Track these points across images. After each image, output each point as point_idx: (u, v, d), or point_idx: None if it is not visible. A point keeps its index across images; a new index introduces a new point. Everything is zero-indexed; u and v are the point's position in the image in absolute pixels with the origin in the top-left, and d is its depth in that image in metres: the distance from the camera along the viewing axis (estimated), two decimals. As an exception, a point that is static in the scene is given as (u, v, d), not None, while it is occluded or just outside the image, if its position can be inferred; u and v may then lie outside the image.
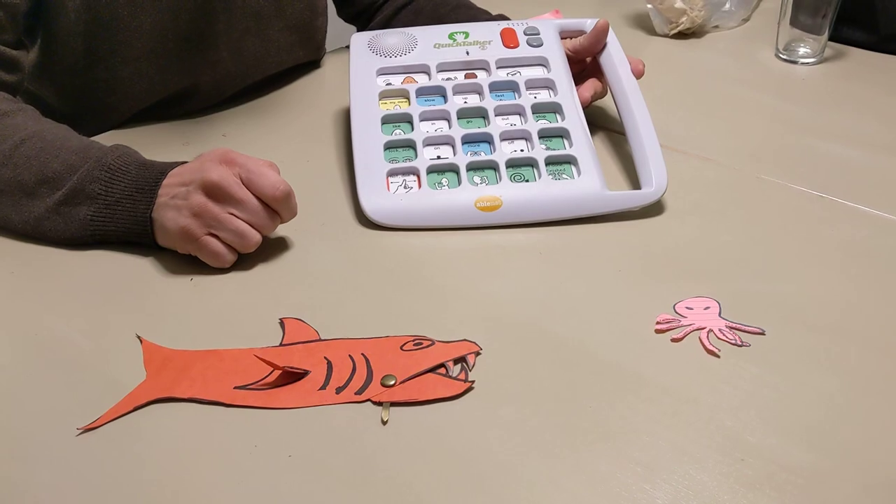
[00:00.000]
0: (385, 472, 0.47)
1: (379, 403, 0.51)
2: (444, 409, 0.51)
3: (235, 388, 0.53)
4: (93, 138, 0.69)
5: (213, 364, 0.54)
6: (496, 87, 0.75)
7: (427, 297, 0.60)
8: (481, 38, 0.79)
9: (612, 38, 0.79)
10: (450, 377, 0.53)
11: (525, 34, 0.80)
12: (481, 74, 0.77)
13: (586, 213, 0.68)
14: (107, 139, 0.70)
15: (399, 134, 0.72)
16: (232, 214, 0.61)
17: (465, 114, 0.73)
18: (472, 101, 0.75)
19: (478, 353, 0.54)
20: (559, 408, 0.51)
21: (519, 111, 0.74)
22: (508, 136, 0.72)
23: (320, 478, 0.47)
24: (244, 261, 0.64)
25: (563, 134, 0.72)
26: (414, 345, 0.55)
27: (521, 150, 0.71)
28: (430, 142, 0.71)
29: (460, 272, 0.62)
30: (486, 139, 0.72)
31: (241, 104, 0.86)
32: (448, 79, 0.76)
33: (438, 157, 0.70)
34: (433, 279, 0.62)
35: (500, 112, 0.73)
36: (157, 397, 0.52)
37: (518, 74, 0.77)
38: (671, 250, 0.65)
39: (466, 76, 0.77)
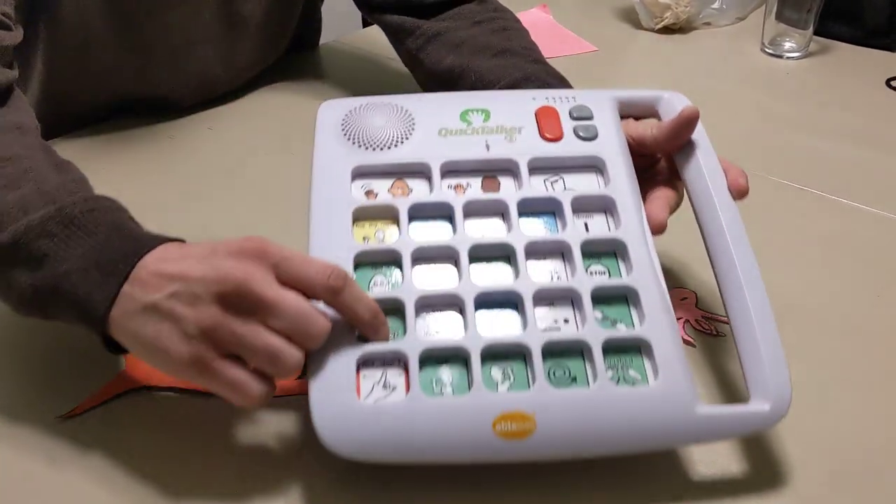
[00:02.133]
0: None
1: None
2: None
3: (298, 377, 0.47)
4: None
5: None
6: (529, 208, 0.51)
7: None
8: (508, 123, 0.54)
9: (700, 132, 0.54)
10: None
11: (573, 117, 0.55)
12: (506, 184, 0.52)
13: (670, 442, 0.44)
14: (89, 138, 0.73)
15: (381, 286, 0.47)
16: (261, 326, 0.42)
17: (482, 254, 0.49)
18: (493, 230, 0.50)
19: None
20: None
21: (562, 251, 0.49)
22: (547, 298, 0.47)
23: (302, 461, 0.46)
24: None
25: (628, 296, 0.47)
26: None
27: (566, 322, 0.47)
28: (428, 304, 0.46)
29: None
30: (513, 301, 0.47)
31: (230, 101, 0.85)
32: (457, 186, 0.52)
33: (440, 332, 0.46)
34: None
35: (534, 253, 0.49)
36: (136, 386, 0.51)
37: (560, 183, 0.53)
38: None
39: (485, 183, 0.52)
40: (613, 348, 0.45)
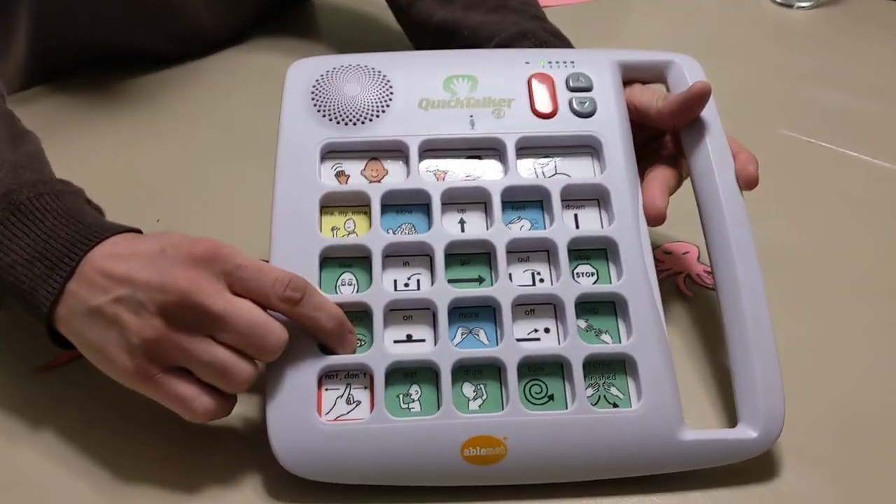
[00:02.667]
0: None
1: None
2: None
3: None
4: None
5: None
6: (514, 197, 0.46)
7: None
8: (496, 95, 0.49)
9: (710, 109, 0.49)
10: None
11: (570, 88, 0.49)
12: (490, 167, 0.47)
13: (647, 471, 0.41)
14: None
15: (348, 288, 0.43)
16: (208, 340, 0.39)
17: (460, 251, 0.45)
18: (474, 224, 0.45)
19: None
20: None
21: (548, 249, 0.45)
22: (527, 304, 0.44)
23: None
24: (222, 214, 0.60)
25: (616, 304, 0.44)
26: None
27: (546, 332, 0.43)
28: (398, 307, 0.43)
29: None
30: (490, 308, 0.44)
31: (218, 53, 0.80)
32: (437, 171, 0.47)
33: (409, 338, 0.43)
34: None
35: (517, 251, 0.45)
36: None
37: (551, 166, 0.48)
38: None
39: (467, 166, 0.48)
40: (595, 364, 0.42)
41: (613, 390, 0.42)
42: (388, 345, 0.42)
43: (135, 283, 0.39)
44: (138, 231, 0.44)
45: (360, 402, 0.41)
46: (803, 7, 0.94)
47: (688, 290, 0.54)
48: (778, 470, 0.42)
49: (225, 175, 0.65)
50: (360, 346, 0.42)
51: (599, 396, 0.42)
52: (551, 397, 0.41)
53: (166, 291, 0.38)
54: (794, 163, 0.67)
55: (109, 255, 0.41)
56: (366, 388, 0.41)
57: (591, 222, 0.46)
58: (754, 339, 0.42)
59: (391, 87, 0.48)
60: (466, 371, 0.42)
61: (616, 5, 0.94)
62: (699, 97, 0.47)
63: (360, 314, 0.43)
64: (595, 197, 0.47)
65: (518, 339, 0.42)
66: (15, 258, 0.41)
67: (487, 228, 0.45)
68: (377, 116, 0.47)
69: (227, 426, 0.44)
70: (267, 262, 0.42)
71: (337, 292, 0.43)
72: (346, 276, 0.44)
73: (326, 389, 0.41)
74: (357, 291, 0.43)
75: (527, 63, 0.50)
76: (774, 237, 0.56)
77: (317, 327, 0.40)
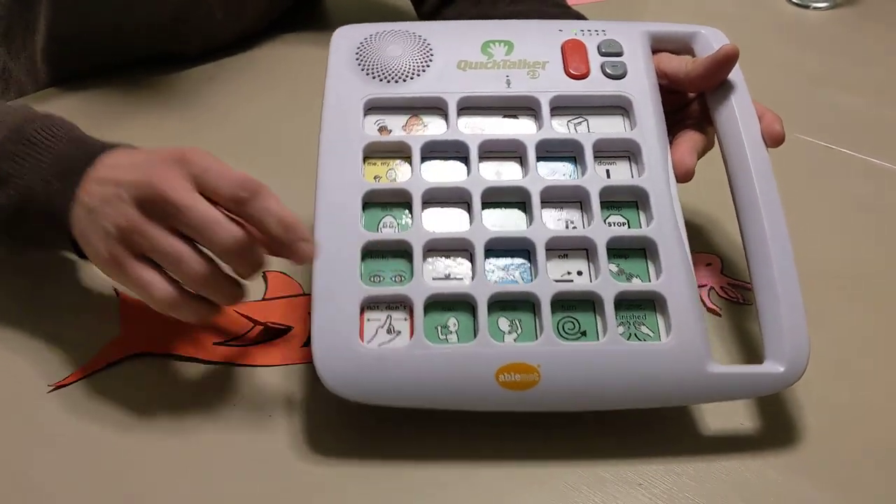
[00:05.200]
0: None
1: None
2: None
3: (215, 343, 0.50)
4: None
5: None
6: (548, 151, 0.48)
7: None
8: (531, 57, 0.51)
9: (736, 73, 0.51)
10: None
11: (601, 53, 0.52)
12: (526, 123, 0.50)
13: (678, 400, 0.43)
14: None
15: (389, 228, 0.46)
16: (169, 231, 0.43)
17: (496, 198, 0.47)
18: (510, 172, 0.48)
19: None
20: None
21: (580, 198, 0.47)
22: (560, 247, 0.45)
23: (303, 439, 0.44)
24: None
25: (646, 249, 0.46)
26: None
27: (579, 274, 0.45)
28: (437, 247, 0.45)
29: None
30: (525, 248, 0.46)
31: (235, 53, 0.80)
32: (475, 127, 0.49)
33: (448, 277, 0.45)
34: None
35: (550, 199, 0.47)
36: (133, 353, 0.49)
37: (584, 125, 0.50)
38: None
39: (503, 124, 0.50)
40: (626, 302, 0.44)
41: (644, 329, 0.43)
42: (428, 280, 0.44)
43: (120, 183, 0.44)
44: (134, 147, 0.48)
45: (399, 332, 0.43)
46: (819, 8, 0.94)
47: (712, 303, 0.53)
48: (802, 486, 0.42)
49: (249, 160, 0.63)
50: (401, 281, 0.44)
51: (630, 333, 0.43)
52: (584, 333, 0.43)
53: (141, 186, 0.43)
54: (810, 168, 0.67)
55: (107, 166, 0.46)
56: (406, 319, 0.43)
57: (622, 174, 0.48)
58: (780, 281, 0.44)
59: (431, 49, 0.51)
60: (502, 306, 0.44)
61: (629, 5, 0.96)
62: (727, 60, 0.50)
63: (400, 252, 0.45)
64: (626, 152, 0.49)
65: (552, 280, 0.44)
66: (32, 181, 0.46)
67: (523, 178, 0.47)
68: (418, 75, 0.50)
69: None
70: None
71: (378, 231, 0.46)
72: (388, 220, 0.46)
73: (368, 319, 0.43)
74: (399, 230, 0.46)
75: (560, 31, 0.53)
76: (797, 244, 0.53)
77: (264, 230, 0.42)
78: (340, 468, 0.43)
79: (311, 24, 0.87)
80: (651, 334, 0.43)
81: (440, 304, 0.43)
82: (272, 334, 0.50)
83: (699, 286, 0.50)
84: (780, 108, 0.69)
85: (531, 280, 0.44)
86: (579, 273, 0.45)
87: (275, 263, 0.45)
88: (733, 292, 0.53)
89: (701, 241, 0.57)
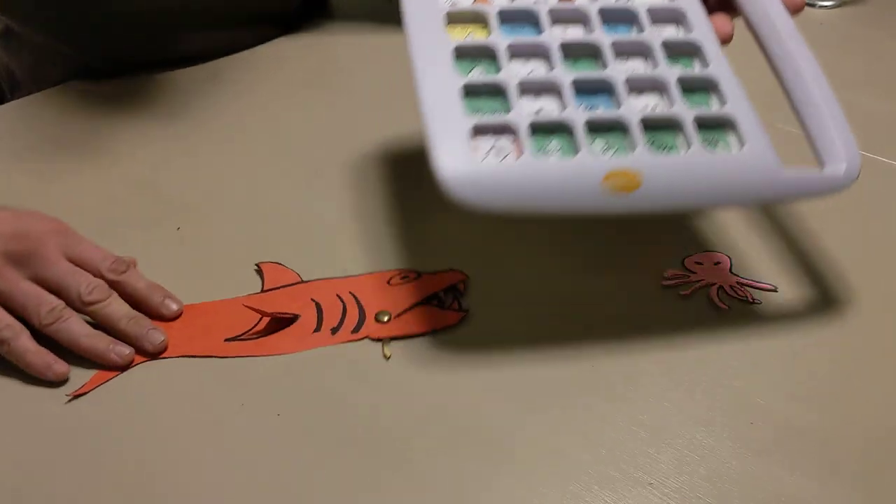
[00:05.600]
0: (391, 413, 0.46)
1: (378, 340, 0.50)
2: (443, 342, 0.50)
3: (226, 340, 0.50)
4: None
5: (196, 319, 0.52)
6: (608, 17, 0.54)
7: (407, 230, 0.59)
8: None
9: None
10: (444, 308, 0.52)
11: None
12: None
13: (757, 199, 0.48)
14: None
15: (481, 74, 0.50)
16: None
17: (571, 51, 0.52)
18: (576, 33, 0.54)
19: (465, 282, 0.54)
20: (560, 364, 0.49)
21: (644, 51, 0.53)
22: (636, 86, 0.50)
23: (319, 432, 0.45)
24: (215, 209, 0.61)
25: (709, 86, 0.51)
26: (401, 278, 0.54)
27: (656, 107, 0.50)
28: (528, 88, 0.49)
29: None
30: (605, 88, 0.50)
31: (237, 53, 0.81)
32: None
33: (541, 111, 0.49)
34: (413, 210, 0.60)
35: (620, 51, 0.52)
36: (145, 358, 0.49)
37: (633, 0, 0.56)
38: None
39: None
40: (703, 124, 0.49)
41: (720, 144, 0.49)
42: (526, 111, 0.48)
43: None
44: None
45: (508, 153, 0.46)
46: (826, 6, 0.93)
47: (722, 302, 0.53)
48: (809, 485, 0.43)
49: (246, 180, 0.65)
50: (503, 112, 0.48)
51: (711, 146, 0.48)
52: (672, 147, 0.48)
53: (17, 238, 0.48)
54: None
55: None
56: (512, 142, 0.47)
57: (672, 34, 0.54)
58: (819, 96, 0.50)
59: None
60: (596, 129, 0.48)
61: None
62: None
63: (496, 91, 0.49)
64: (673, 19, 0.55)
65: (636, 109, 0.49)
66: None
67: (591, 35, 0.53)
68: (482, -37, 0.55)
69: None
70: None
71: (469, 75, 0.50)
72: (477, 70, 0.50)
73: (478, 143, 0.46)
74: (489, 75, 0.50)
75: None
76: (799, 245, 0.56)
77: (133, 294, 0.51)
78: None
79: (314, 26, 0.89)
80: (726, 148, 0.49)
81: (541, 128, 0.48)
82: (281, 324, 0.51)
83: (709, 284, 0.54)
84: (786, 106, 0.64)
85: (618, 109, 0.49)
86: (656, 107, 0.50)
87: (269, 254, 0.53)
88: (742, 291, 0.55)
89: (710, 241, 0.59)
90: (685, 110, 0.49)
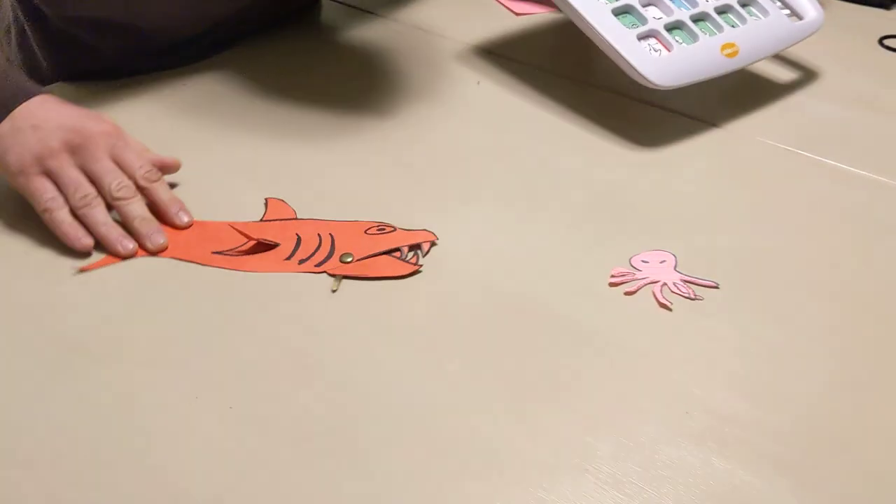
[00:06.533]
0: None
1: (333, 275, 0.57)
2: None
3: (213, 252, 0.59)
4: None
5: (196, 231, 0.61)
6: None
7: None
8: None
9: None
10: (401, 260, 0.58)
11: None
12: None
13: (789, 43, 0.77)
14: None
15: (611, 2, 0.73)
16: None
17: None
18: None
19: (433, 244, 0.60)
20: (505, 359, 0.52)
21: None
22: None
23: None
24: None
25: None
26: (377, 230, 0.61)
27: (709, 1, 0.76)
28: (643, 3, 0.74)
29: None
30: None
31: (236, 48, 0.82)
32: None
33: (661, 18, 0.74)
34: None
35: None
36: (146, 254, 0.59)
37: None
38: (631, 203, 0.65)
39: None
40: (742, 4, 0.77)
41: (753, 16, 0.76)
42: (655, 18, 0.73)
43: (56, 121, 0.59)
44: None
45: (661, 50, 0.71)
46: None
47: (665, 299, 0.56)
48: (740, 472, 0.45)
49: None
50: (642, 25, 0.72)
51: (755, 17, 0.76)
52: (734, 24, 0.75)
53: (74, 131, 0.59)
54: (775, 171, 0.70)
55: (46, 105, 0.60)
56: (657, 42, 0.72)
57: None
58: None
59: None
60: (695, 22, 0.74)
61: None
62: None
63: (628, 11, 0.73)
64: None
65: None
66: None
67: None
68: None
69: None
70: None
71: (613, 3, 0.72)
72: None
73: (645, 46, 0.71)
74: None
75: None
76: (744, 243, 0.60)
77: (153, 198, 0.61)
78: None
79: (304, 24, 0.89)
80: (758, 17, 0.76)
81: (667, 28, 0.73)
82: (262, 248, 0.59)
83: (653, 282, 0.57)
84: (742, 111, 0.76)
85: (697, 6, 0.75)
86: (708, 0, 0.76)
87: (273, 191, 0.62)
88: (685, 288, 0.57)
89: (655, 239, 0.61)
90: (733, -1, 0.77)
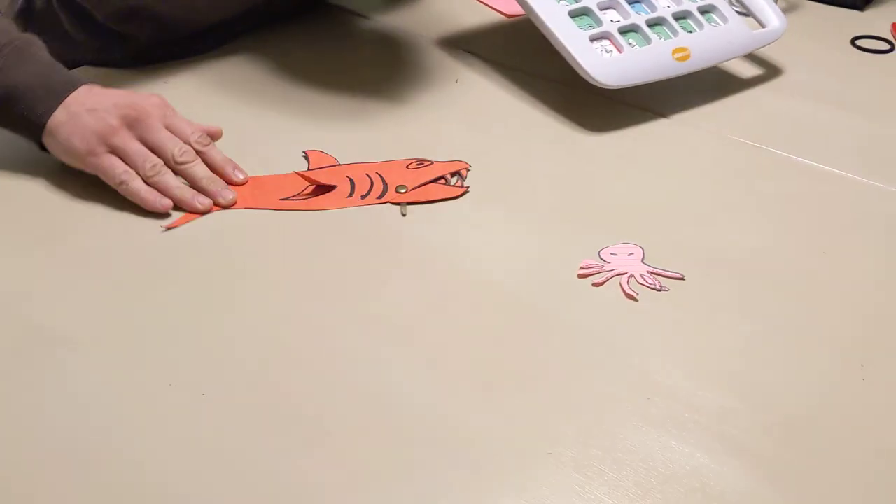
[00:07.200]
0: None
1: (397, 204, 0.64)
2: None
3: (280, 199, 0.65)
4: None
5: (259, 185, 0.66)
6: None
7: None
8: None
9: None
10: (448, 185, 0.66)
11: None
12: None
13: (743, 50, 0.79)
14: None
15: (569, 4, 0.75)
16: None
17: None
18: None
19: (468, 169, 0.67)
20: (473, 347, 0.53)
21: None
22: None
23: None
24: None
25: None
26: (417, 164, 0.68)
27: (669, 7, 0.78)
28: (601, 7, 0.76)
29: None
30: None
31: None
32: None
33: (617, 21, 0.75)
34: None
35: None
36: (219, 208, 0.64)
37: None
38: (602, 197, 0.67)
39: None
40: (701, 11, 0.78)
41: (714, 22, 0.78)
42: (610, 21, 0.74)
43: (109, 101, 0.63)
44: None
45: (612, 52, 0.73)
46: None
47: (631, 290, 0.56)
48: (698, 455, 0.46)
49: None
50: (592, 27, 0.73)
51: (712, 24, 0.78)
52: (691, 31, 0.77)
53: (129, 106, 0.63)
54: (742, 168, 0.71)
55: (94, 91, 0.64)
56: (609, 44, 0.73)
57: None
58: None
59: None
60: (650, 25, 0.76)
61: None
62: None
63: (585, 13, 0.74)
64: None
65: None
66: (20, 81, 0.62)
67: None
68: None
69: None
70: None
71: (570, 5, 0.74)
72: (563, 2, 0.75)
73: (597, 47, 0.73)
74: (577, 3, 0.75)
75: None
76: (711, 237, 0.61)
77: (211, 162, 0.65)
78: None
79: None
80: (718, 23, 0.79)
81: (622, 31, 0.74)
82: (322, 191, 0.65)
83: (620, 274, 0.58)
84: (714, 110, 0.78)
85: (655, 11, 0.77)
86: (669, 6, 0.78)
87: (313, 143, 0.67)
88: (651, 280, 0.58)
89: (623, 232, 0.62)
90: (690, 4, 0.78)
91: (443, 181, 0.65)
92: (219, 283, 0.57)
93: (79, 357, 0.51)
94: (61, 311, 0.55)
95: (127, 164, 0.62)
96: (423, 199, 0.64)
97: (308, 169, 0.67)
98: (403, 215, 0.62)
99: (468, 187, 0.65)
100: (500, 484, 0.45)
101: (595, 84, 0.71)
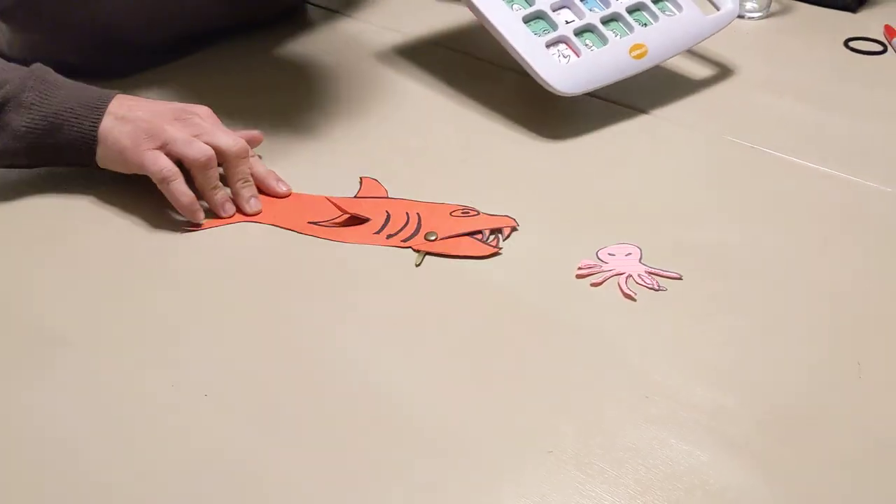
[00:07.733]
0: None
1: (417, 251, 0.61)
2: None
3: (309, 222, 0.64)
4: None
5: (293, 202, 0.66)
6: None
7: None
8: None
9: None
10: (482, 242, 0.62)
11: None
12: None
13: (700, 38, 0.78)
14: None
15: (523, 8, 0.74)
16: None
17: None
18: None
19: (514, 229, 0.63)
20: (473, 347, 0.54)
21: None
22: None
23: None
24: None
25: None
26: (462, 213, 0.65)
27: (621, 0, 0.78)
28: (554, 7, 0.75)
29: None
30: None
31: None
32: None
33: (572, 21, 0.74)
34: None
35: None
36: (245, 218, 0.65)
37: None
38: (600, 198, 0.67)
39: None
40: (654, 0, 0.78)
41: (668, 11, 0.77)
42: (565, 23, 0.74)
43: (146, 104, 0.65)
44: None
45: (570, 56, 0.72)
46: (753, 17, 0.98)
47: (629, 290, 0.57)
48: (697, 453, 0.47)
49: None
50: (548, 31, 0.72)
51: (666, 14, 0.77)
52: (645, 24, 0.76)
53: (178, 106, 0.65)
54: (739, 169, 0.72)
55: (129, 98, 0.65)
56: (567, 49, 0.73)
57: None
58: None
59: None
60: (605, 23, 0.75)
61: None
62: None
63: (539, 17, 0.73)
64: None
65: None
66: (57, 108, 0.63)
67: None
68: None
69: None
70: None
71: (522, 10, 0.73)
72: (516, 6, 0.74)
73: (553, 53, 0.72)
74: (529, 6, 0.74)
75: None
76: (708, 237, 0.61)
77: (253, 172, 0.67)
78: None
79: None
80: (674, 12, 0.78)
81: (577, 33, 0.74)
82: (354, 222, 0.64)
83: (618, 274, 0.59)
84: (711, 111, 0.78)
85: (609, 7, 0.76)
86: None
87: (369, 171, 0.67)
88: (649, 280, 0.58)
89: (621, 232, 0.63)
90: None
91: (480, 235, 0.62)
92: (220, 286, 0.58)
93: (79, 357, 0.52)
94: (61, 311, 0.55)
95: (175, 151, 0.62)
96: (448, 251, 0.60)
97: (356, 195, 0.66)
98: (417, 265, 0.59)
99: (501, 249, 0.60)
100: (501, 482, 0.45)
101: (555, 93, 0.71)
